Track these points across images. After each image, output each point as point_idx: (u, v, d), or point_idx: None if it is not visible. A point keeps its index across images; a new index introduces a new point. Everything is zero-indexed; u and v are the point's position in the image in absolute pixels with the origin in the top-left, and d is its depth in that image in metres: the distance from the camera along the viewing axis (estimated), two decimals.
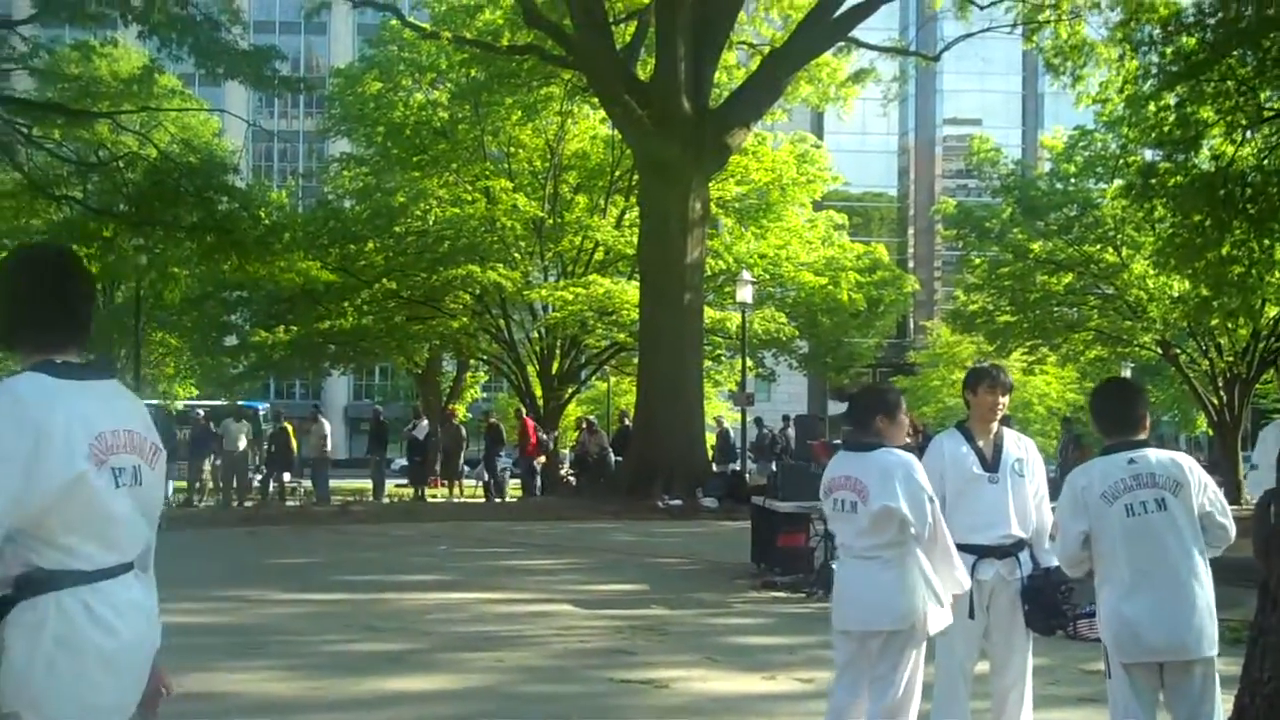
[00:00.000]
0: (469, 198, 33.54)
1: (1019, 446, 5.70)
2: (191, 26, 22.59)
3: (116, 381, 2.97)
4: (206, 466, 26.63)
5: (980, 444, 5.65)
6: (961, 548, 5.31)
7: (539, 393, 34.99)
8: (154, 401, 36.31)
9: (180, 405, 38.24)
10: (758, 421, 30.93)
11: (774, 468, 22.05)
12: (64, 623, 2.68)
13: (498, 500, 27.08)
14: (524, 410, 31.42)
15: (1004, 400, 5.69)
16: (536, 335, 34.75)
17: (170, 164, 25.49)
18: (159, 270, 29.62)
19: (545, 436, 29.56)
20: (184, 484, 27.38)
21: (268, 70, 24.12)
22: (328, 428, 27.67)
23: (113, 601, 2.75)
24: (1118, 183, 27.87)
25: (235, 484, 25.98)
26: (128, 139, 27.80)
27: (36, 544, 2.69)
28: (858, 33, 27.91)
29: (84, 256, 31.30)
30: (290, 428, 27.42)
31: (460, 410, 35.98)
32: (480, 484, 28.66)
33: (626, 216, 33.63)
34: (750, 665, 8.62)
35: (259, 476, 27.88)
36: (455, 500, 27.95)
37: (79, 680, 2.69)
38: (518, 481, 29.66)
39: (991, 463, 5.60)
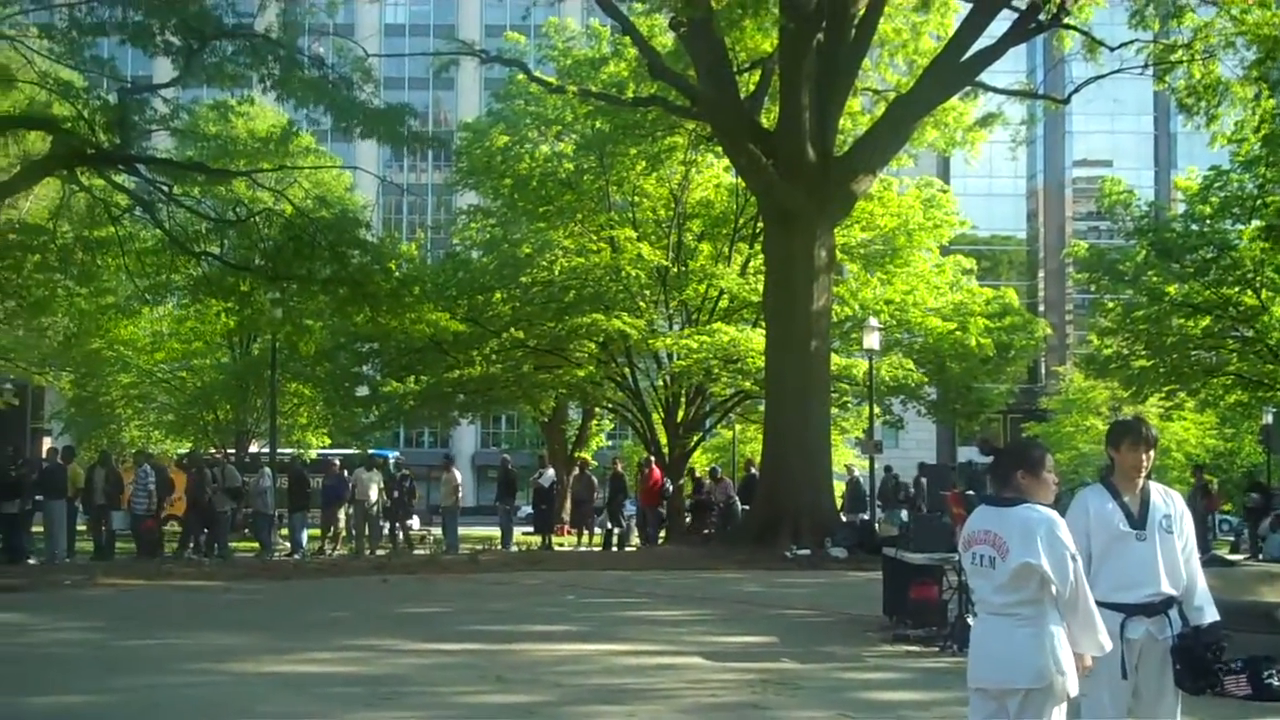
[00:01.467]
0: (594, 247, 33.83)
1: (1166, 501, 5.55)
2: (327, 90, 23.15)
3: None
4: (341, 515, 27.11)
5: (1126, 499, 5.52)
6: (1109, 606, 5.20)
7: (664, 440, 35.02)
8: (289, 450, 37.10)
9: (314, 454, 38.97)
10: (887, 469, 30.56)
11: (904, 517, 21.79)
12: None
13: (628, 548, 27.13)
14: (650, 458, 31.43)
15: (1149, 456, 5.55)
16: (662, 383, 34.80)
17: (305, 219, 26.04)
18: (294, 323, 30.23)
19: (669, 485, 29.61)
20: (318, 532, 27.92)
21: (401, 127, 24.58)
22: (459, 477, 28.03)
23: None
24: (1256, 223, 27.14)
25: (367, 532, 26.40)
26: (264, 195, 28.53)
27: None
28: (985, 76, 27.69)
29: (222, 310, 32.39)
30: (411, 475, 27.82)
31: (588, 458, 36.05)
32: (603, 532, 28.74)
33: (751, 264, 33.60)
34: None
35: (387, 525, 28.34)
36: (581, 549, 28.03)
37: None
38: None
39: (1139, 519, 5.47)
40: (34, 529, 24.88)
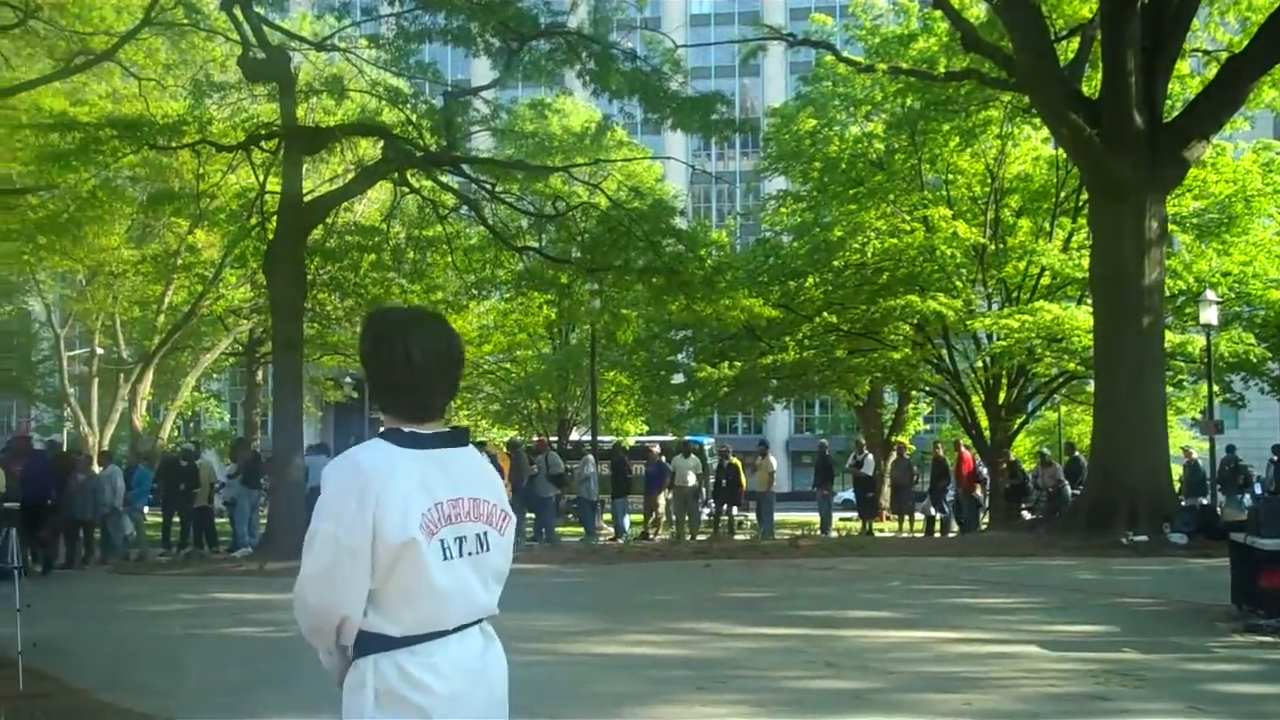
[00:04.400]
0: (907, 227, 33.24)
1: None
2: (641, 82, 23.50)
3: (470, 450, 3.03)
4: (661, 501, 27.57)
5: None
6: None
7: (985, 423, 34.13)
8: (608, 438, 38.01)
9: (631, 441, 39.83)
10: (1229, 450, 28.86)
11: (1247, 500, 20.51)
12: (381, 682, 2.80)
13: (950, 534, 26.60)
14: (964, 442, 30.67)
15: None
16: (981, 364, 33.91)
17: (620, 211, 26.59)
18: (611, 313, 30.99)
19: (983, 470, 28.87)
20: (639, 517, 28.48)
21: (713, 116, 24.70)
22: (774, 462, 28.07)
23: (431, 662, 2.83)
24: None
25: (687, 517, 26.74)
26: (579, 190, 29.29)
27: (370, 607, 2.84)
28: None
29: (543, 302, 33.41)
30: (739, 463, 27.99)
31: (906, 442, 35.48)
32: (924, 518, 28.24)
33: (1074, 239, 32.35)
34: (1241, 715, 7.97)
35: (707, 510, 28.64)
36: (903, 535, 27.63)
37: None
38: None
39: None
40: None
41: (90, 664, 10.41)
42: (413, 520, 2.80)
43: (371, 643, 2.84)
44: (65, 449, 27.98)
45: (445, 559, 2.85)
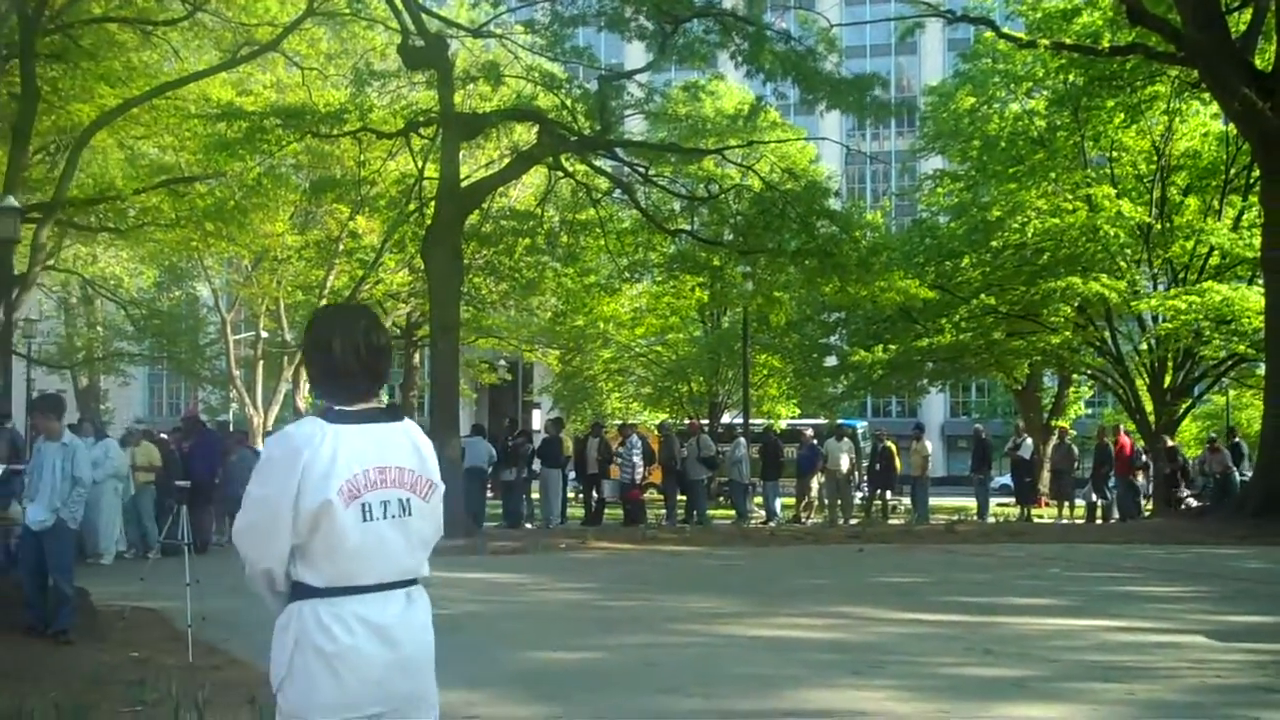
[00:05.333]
0: (1069, 206, 32.43)
1: None
2: (795, 62, 23.24)
3: (401, 424, 3.44)
4: (814, 484, 27.42)
5: None
6: None
7: (1149, 408, 33.17)
8: (760, 421, 37.87)
9: (782, 425, 39.65)
10: None
11: None
12: (300, 628, 3.23)
13: (1112, 520, 25.97)
14: (1126, 427, 29.87)
15: None
16: (1146, 347, 32.96)
17: (773, 193, 26.39)
18: (764, 295, 30.82)
19: (1144, 455, 28.10)
20: (792, 501, 28.36)
21: (868, 98, 24.32)
22: (929, 446, 27.72)
23: (340, 614, 3.22)
24: None
25: (840, 501, 26.55)
26: (732, 172, 29.17)
27: (299, 560, 3.26)
28: None
29: (695, 285, 33.45)
30: (893, 446, 27.68)
31: (1066, 427, 34.66)
32: (1085, 504, 27.60)
33: (1245, 217, 31.22)
34: None
35: (860, 494, 28.38)
36: (1063, 521, 27.03)
37: (305, 675, 3.20)
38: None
39: None
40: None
41: (257, 638, 10.67)
42: (332, 485, 3.19)
43: (299, 591, 3.26)
44: (232, 429, 28.93)
45: (365, 520, 3.24)
